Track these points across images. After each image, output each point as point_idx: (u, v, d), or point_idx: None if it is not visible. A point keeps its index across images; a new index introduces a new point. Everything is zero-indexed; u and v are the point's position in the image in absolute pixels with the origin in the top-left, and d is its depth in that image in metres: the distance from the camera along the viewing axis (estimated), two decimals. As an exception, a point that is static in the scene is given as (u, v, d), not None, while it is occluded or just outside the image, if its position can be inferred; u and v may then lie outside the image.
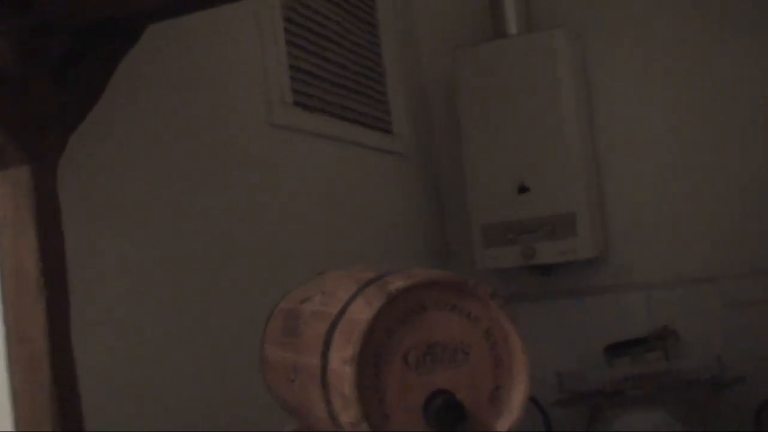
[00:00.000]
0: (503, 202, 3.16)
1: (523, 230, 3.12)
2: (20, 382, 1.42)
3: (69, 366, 1.41)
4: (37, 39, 1.48)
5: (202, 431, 1.84)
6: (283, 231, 2.37)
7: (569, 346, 3.20)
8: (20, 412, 1.42)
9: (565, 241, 3.05)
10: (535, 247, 3.09)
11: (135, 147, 1.87)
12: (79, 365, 1.43)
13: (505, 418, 1.22)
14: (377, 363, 1.17)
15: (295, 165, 2.49)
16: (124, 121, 1.84)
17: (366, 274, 1.27)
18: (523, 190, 3.13)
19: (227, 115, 2.21)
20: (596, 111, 3.30)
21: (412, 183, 3.31)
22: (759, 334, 2.98)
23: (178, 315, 1.91)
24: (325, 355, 1.20)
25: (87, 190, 1.72)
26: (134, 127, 1.87)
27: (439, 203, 3.51)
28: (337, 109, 2.78)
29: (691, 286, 3.09)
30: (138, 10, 1.67)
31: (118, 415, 1.67)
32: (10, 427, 1.45)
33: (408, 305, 1.20)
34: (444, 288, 1.22)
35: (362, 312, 1.18)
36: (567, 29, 3.17)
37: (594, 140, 3.28)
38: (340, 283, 1.31)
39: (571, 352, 3.17)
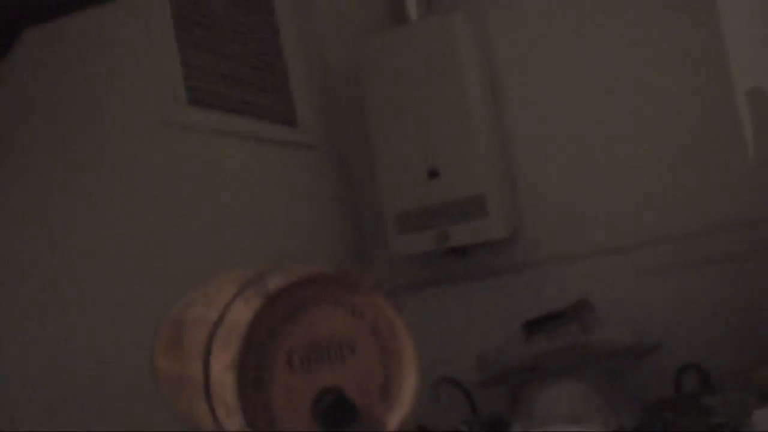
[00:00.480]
0: (414, 188, 3.14)
1: (436, 214, 3.11)
2: None
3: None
4: None
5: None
6: (183, 233, 2.31)
7: (489, 327, 3.20)
8: None
9: (477, 223, 3.05)
10: (448, 230, 3.08)
11: (21, 152, 1.79)
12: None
13: (396, 412, 1.19)
14: (260, 366, 1.13)
15: (193, 164, 2.43)
16: (7, 128, 1.76)
17: (246, 275, 1.23)
18: (433, 174, 3.11)
19: (118, 115, 2.14)
20: (502, 92, 3.30)
21: (322, 174, 3.27)
22: (672, 300, 3.03)
23: (60, 321, 1.83)
24: (206, 363, 1.16)
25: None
26: (19, 132, 1.80)
27: (351, 193, 3.47)
28: (236, 104, 2.73)
29: (603, 257, 3.12)
30: (9, 16, 1.60)
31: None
32: None
33: (289, 304, 1.16)
34: (325, 283, 1.18)
35: (241, 315, 1.14)
36: (466, 12, 3.16)
37: (501, 121, 3.28)
38: (221, 286, 1.27)
39: (492, 332, 3.18)
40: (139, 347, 1.66)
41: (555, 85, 3.25)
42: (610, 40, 3.17)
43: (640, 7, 3.13)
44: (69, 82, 1.99)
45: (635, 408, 2.75)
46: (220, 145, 2.58)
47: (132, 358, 1.92)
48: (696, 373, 2.80)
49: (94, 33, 2.10)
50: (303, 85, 3.20)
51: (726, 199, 2.97)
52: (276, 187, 2.88)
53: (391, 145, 3.17)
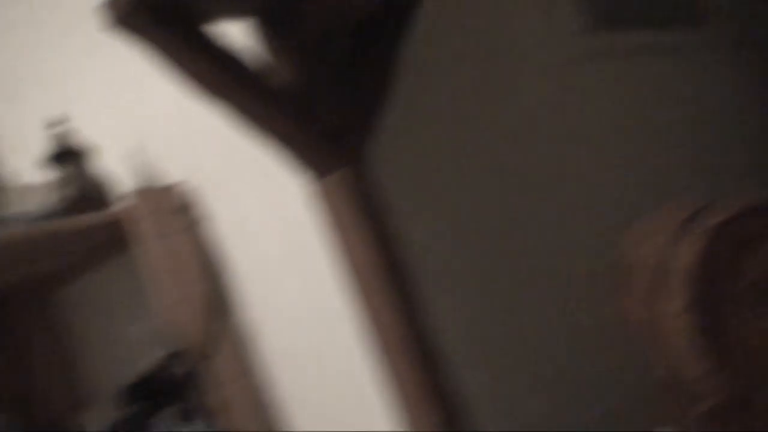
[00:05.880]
0: None
1: None
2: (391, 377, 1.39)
3: (431, 350, 1.38)
4: (317, 50, 1.47)
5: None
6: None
7: None
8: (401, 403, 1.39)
9: None
10: None
11: (435, 128, 1.80)
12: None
13: None
14: (714, 309, 1.07)
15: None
16: (417, 108, 1.77)
17: (680, 214, 1.17)
18: None
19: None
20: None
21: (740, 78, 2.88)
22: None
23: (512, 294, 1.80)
24: (652, 307, 1.13)
25: (404, 182, 1.67)
26: (429, 110, 1.80)
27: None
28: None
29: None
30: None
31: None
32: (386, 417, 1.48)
33: (732, 240, 1.09)
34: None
35: (685, 256, 1.09)
36: None
37: None
38: (658, 227, 1.22)
39: None
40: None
41: None
42: None
43: None
44: (467, 51, 1.96)
45: None
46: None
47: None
48: None
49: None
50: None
51: None
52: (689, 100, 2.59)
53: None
